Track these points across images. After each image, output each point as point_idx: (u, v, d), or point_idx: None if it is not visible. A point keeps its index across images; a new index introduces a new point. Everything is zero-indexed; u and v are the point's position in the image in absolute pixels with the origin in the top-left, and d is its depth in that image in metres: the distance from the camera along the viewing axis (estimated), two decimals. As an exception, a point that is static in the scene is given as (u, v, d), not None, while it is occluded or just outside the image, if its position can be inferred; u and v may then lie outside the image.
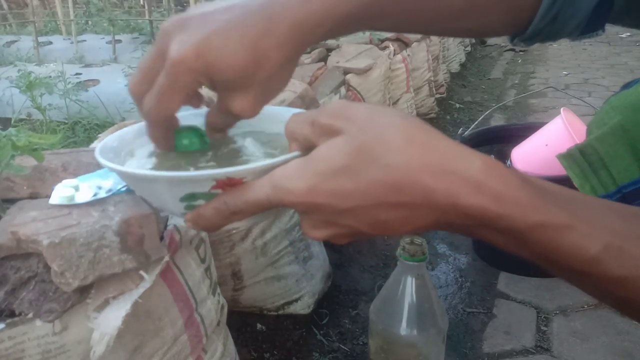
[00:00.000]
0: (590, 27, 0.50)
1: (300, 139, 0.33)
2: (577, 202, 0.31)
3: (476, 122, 1.58)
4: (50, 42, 3.54)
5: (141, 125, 0.44)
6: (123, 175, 0.36)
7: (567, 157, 0.60)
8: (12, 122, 1.64)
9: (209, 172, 0.32)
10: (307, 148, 0.32)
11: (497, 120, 2.26)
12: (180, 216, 0.36)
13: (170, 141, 0.40)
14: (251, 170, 0.32)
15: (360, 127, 0.30)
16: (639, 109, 0.53)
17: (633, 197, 0.52)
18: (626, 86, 0.60)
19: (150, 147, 0.42)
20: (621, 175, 0.54)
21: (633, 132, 0.53)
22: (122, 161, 0.41)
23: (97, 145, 0.39)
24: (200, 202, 0.34)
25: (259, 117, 0.46)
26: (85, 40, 3.45)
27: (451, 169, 0.28)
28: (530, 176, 0.31)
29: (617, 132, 0.54)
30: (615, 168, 0.56)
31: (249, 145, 0.43)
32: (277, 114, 0.45)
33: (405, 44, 2.02)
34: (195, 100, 0.42)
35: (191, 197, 0.33)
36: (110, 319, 0.47)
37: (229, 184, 0.32)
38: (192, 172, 0.33)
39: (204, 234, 0.65)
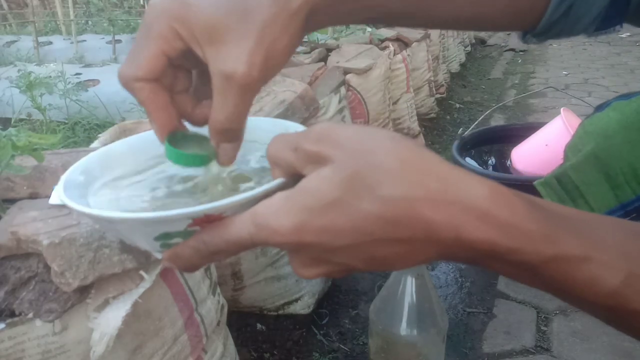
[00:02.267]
0: (606, 22, 0.47)
1: (283, 165, 0.30)
2: (593, 227, 0.28)
3: (476, 122, 1.58)
4: (50, 42, 3.53)
5: (105, 150, 0.40)
6: (90, 217, 0.31)
7: (544, 185, 0.59)
8: (12, 122, 1.64)
9: (182, 212, 0.28)
10: (292, 175, 0.29)
11: (497, 120, 2.26)
12: (157, 254, 0.33)
13: (167, 128, 0.34)
14: (231, 205, 0.28)
15: (349, 154, 0.26)
16: (610, 135, 0.52)
17: None
18: (599, 108, 0.60)
19: (118, 172, 0.39)
20: (598, 203, 0.54)
21: (606, 160, 0.52)
22: (91, 196, 0.36)
23: (61, 179, 0.34)
24: (177, 240, 0.30)
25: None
26: (85, 40, 3.45)
27: (453, 198, 0.26)
28: (540, 200, 0.29)
29: (590, 159, 0.53)
30: (591, 196, 0.55)
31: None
32: (266, 127, 0.40)
33: (405, 44, 2.01)
34: (182, 77, 0.36)
35: (166, 236, 0.30)
36: (110, 319, 0.47)
37: (207, 221, 0.29)
38: (164, 213, 0.28)
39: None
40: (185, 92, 0.36)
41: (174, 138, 0.35)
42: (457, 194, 0.26)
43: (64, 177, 0.35)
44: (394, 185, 0.25)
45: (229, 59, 0.31)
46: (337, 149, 0.27)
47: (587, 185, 0.54)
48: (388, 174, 0.26)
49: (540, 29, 0.47)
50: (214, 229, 0.29)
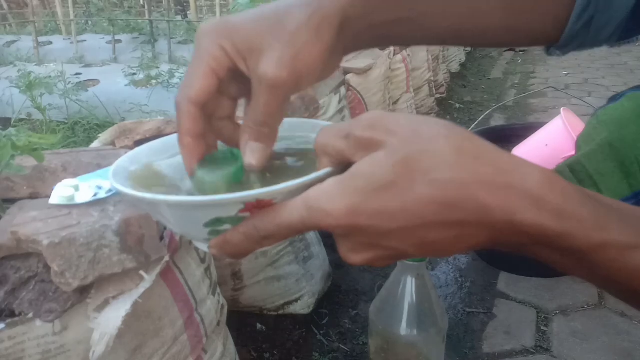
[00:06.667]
0: (628, 32, 0.47)
1: (333, 153, 0.30)
2: (638, 216, 0.28)
3: (476, 122, 1.58)
4: (50, 42, 3.54)
5: (156, 143, 0.40)
6: (140, 201, 0.31)
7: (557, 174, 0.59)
8: (12, 122, 1.64)
9: (236, 195, 0.28)
10: (341, 164, 0.30)
11: (497, 120, 2.26)
12: (203, 242, 0.33)
13: (195, 155, 0.35)
14: (282, 191, 0.29)
15: (403, 139, 0.27)
16: (625, 125, 0.52)
17: None
18: (613, 99, 0.60)
19: (170, 162, 0.38)
20: (611, 192, 0.54)
21: (620, 149, 0.52)
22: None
23: (112, 167, 0.35)
24: (227, 226, 0.31)
25: (283, 129, 0.40)
26: (85, 40, 3.45)
27: (507, 183, 0.26)
28: (588, 190, 0.29)
29: (604, 148, 0.53)
30: (604, 185, 0.55)
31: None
32: (303, 126, 0.41)
33: (405, 44, 2.01)
34: (226, 104, 0.37)
35: (216, 222, 0.30)
36: (110, 319, 0.47)
37: (258, 207, 0.29)
38: (217, 196, 0.29)
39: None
40: (227, 119, 0.38)
41: (203, 162, 0.35)
42: (511, 178, 0.26)
43: (114, 165, 0.35)
44: (447, 169, 0.26)
45: (262, 63, 0.32)
46: (390, 134, 0.27)
47: (600, 174, 0.54)
48: (441, 158, 0.26)
49: (562, 42, 0.47)
50: (265, 213, 0.30)
